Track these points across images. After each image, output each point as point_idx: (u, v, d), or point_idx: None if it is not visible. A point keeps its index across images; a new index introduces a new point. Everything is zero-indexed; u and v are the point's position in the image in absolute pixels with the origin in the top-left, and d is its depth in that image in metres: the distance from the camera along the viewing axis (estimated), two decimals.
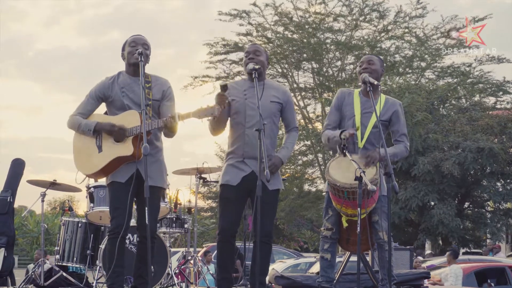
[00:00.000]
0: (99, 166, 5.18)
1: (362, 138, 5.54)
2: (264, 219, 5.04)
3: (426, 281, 7.14)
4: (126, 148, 5.10)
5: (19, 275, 9.17)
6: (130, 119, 5.12)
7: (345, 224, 5.49)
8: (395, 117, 5.66)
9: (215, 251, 5.61)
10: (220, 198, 5.39)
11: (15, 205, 7.41)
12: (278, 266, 15.06)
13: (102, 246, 6.84)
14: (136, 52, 5.13)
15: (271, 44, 25.32)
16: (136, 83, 5.16)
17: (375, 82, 5.43)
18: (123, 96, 5.22)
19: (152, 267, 5.10)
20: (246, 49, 5.49)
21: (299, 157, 27.02)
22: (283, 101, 5.40)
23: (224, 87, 5.00)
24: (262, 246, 5.08)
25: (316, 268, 12.19)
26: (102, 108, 5.42)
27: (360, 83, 5.64)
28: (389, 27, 24.89)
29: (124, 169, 5.16)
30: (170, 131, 5.19)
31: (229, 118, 5.38)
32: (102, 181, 6.95)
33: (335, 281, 5.75)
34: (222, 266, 5.31)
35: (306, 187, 28.17)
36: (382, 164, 5.38)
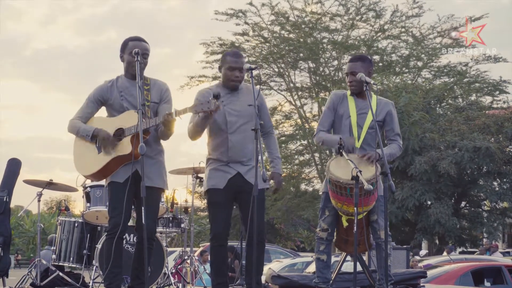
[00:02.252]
0: (98, 167, 5.20)
1: (358, 139, 5.56)
2: (259, 219, 5.04)
3: None
4: (124, 148, 5.11)
5: (16, 275, 9.14)
6: (128, 119, 5.13)
7: (345, 224, 5.48)
8: (388, 117, 5.70)
9: None
10: (209, 203, 5.33)
11: (12, 205, 7.38)
12: (275, 265, 15.04)
13: (99, 246, 6.83)
14: (133, 52, 5.11)
15: (267, 44, 25.33)
16: (134, 86, 5.15)
17: (372, 82, 5.46)
18: (122, 100, 5.24)
19: (148, 267, 5.10)
20: (231, 61, 5.26)
21: (296, 156, 27.03)
22: (259, 103, 5.25)
23: (217, 96, 4.97)
24: (258, 245, 5.08)
25: (312, 267, 12.17)
26: (103, 112, 5.44)
27: (349, 93, 5.68)
28: (386, 27, 24.92)
29: (123, 170, 5.17)
30: (167, 129, 5.16)
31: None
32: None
33: (331, 281, 5.75)
34: (217, 271, 5.30)
35: (302, 186, 28.18)
36: (379, 163, 5.40)
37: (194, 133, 5.21)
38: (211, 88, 5.39)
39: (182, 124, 5.16)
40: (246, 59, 5.46)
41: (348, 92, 5.72)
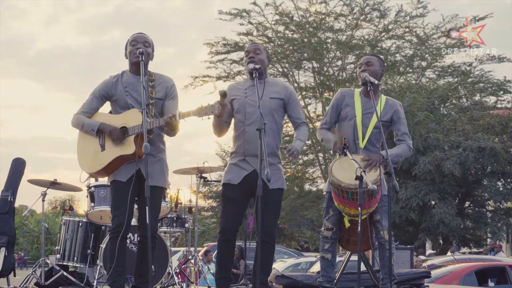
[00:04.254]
0: (102, 165, 5.21)
1: (363, 139, 5.55)
2: (266, 219, 5.04)
3: None
4: (127, 147, 5.12)
5: (20, 274, 9.14)
6: (132, 118, 5.13)
7: (347, 224, 5.49)
8: (396, 117, 5.67)
9: (216, 251, 5.61)
10: (222, 197, 5.39)
11: (16, 205, 7.39)
12: (279, 265, 15.06)
13: (103, 246, 6.84)
14: (137, 52, 5.14)
15: (271, 44, 25.30)
16: (139, 82, 5.16)
17: (376, 82, 5.44)
18: (127, 95, 5.24)
19: (152, 266, 5.10)
20: (246, 48, 5.49)
21: (300, 156, 26.97)
22: (285, 96, 5.37)
23: (223, 94, 5.00)
24: (264, 245, 5.09)
25: (316, 267, 12.18)
26: (107, 107, 5.44)
27: (360, 84, 5.66)
28: (390, 27, 24.88)
29: (126, 169, 5.18)
30: (171, 130, 5.20)
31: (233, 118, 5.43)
32: (103, 180, 6.96)
33: (335, 281, 5.75)
34: (221, 265, 5.32)
35: (306, 186, 28.19)
36: (383, 164, 5.38)
37: (215, 131, 5.44)
38: (239, 83, 5.52)
39: (186, 124, 5.19)
40: None
41: (356, 91, 5.70)
